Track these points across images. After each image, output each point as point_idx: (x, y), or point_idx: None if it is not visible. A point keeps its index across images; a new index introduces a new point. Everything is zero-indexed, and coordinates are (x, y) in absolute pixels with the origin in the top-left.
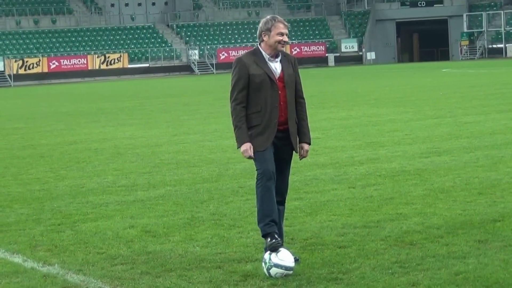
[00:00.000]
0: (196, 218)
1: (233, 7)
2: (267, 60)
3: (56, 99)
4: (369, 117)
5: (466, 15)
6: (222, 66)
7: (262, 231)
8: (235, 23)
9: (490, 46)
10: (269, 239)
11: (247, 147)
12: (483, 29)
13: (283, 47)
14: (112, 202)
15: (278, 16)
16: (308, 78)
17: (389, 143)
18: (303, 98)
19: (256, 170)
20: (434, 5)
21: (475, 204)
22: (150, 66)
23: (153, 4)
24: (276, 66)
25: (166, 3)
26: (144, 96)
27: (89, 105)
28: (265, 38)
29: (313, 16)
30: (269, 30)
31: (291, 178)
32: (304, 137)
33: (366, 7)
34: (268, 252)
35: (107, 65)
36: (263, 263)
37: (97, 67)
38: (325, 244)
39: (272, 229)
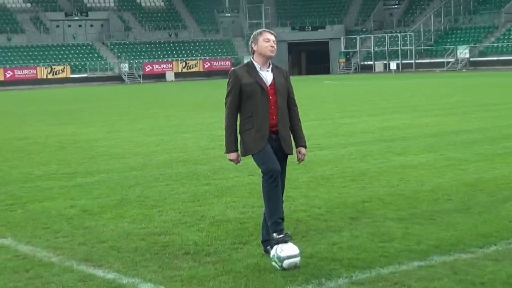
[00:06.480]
0: (125, 200)
1: (157, 29)
2: (258, 70)
3: (10, 102)
4: None
5: (344, 38)
6: (147, 77)
7: (271, 228)
8: (158, 42)
9: (362, 63)
10: (276, 234)
11: (234, 156)
12: (357, 50)
13: (272, 52)
14: (56, 187)
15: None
16: (216, 88)
17: None
18: (296, 106)
19: (261, 170)
20: (318, 30)
21: (349, 188)
22: (89, 76)
23: (91, 25)
24: (267, 75)
25: (102, 25)
26: (83, 101)
27: (37, 107)
28: (254, 48)
29: (221, 37)
30: (256, 39)
31: (202, 168)
32: (300, 141)
33: None
34: (275, 248)
35: (53, 75)
36: (272, 262)
37: (44, 77)
38: (229, 220)
39: (280, 226)
